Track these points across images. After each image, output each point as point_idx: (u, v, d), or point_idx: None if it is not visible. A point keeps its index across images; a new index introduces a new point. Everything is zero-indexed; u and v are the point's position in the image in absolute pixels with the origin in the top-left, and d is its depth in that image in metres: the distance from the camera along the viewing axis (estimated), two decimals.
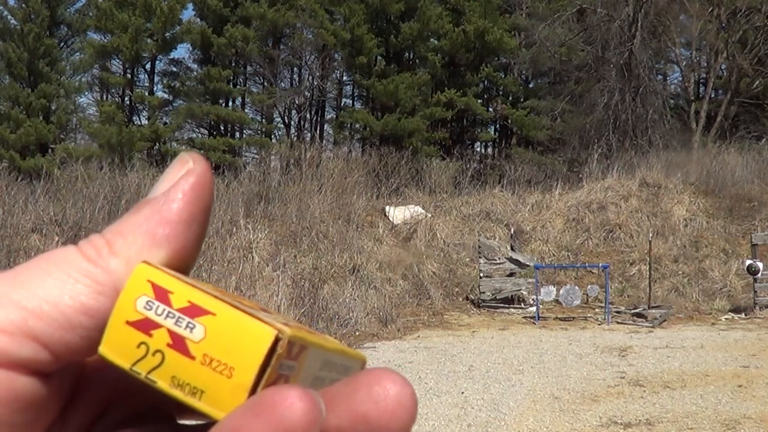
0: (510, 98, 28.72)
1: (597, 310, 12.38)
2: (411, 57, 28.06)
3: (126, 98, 26.84)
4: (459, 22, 26.42)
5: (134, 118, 26.39)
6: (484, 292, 12.49)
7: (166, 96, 26.81)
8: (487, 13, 26.19)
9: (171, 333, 0.26)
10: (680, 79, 27.86)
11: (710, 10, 24.56)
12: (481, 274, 12.53)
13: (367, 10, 25.74)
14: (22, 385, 0.26)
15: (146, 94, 26.32)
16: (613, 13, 23.70)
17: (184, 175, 0.29)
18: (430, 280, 13.27)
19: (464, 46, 26.22)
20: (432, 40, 27.35)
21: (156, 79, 27.61)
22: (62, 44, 25.76)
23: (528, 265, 12.67)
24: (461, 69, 26.76)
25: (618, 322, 11.39)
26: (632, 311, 12.12)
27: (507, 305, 12.56)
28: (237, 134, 27.57)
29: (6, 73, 23.52)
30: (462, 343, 9.77)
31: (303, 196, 15.08)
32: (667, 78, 30.38)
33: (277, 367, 0.26)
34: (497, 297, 12.52)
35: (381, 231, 14.86)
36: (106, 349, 0.27)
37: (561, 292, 12.15)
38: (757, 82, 25.14)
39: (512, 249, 13.53)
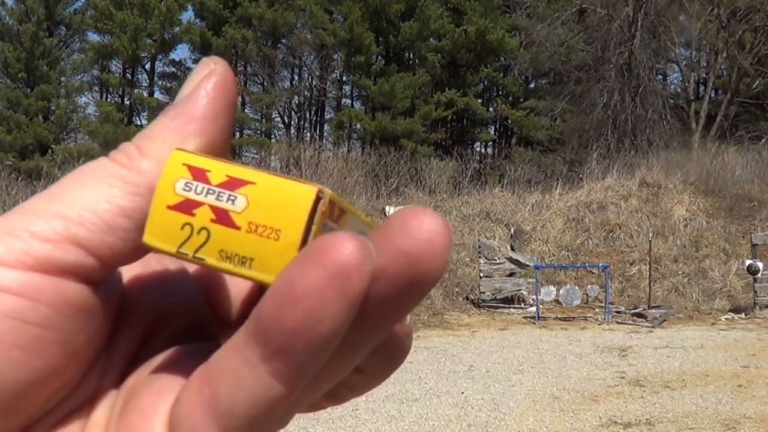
0: (510, 98, 28.74)
1: (597, 310, 12.37)
2: (410, 57, 28.06)
3: (126, 98, 26.84)
4: (459, 22, 26.41)
5: (134, 118, 26.39)
6: (484, 292, 12.49)
7: (165, 97, 26.81)
8: (487, 13, 26.18)
9: (213, 208, 0.26)
10: (680, 79, 27.88)
11: (710, 10, 24.57)
12: (481, 274, 12.52)
13: (367, 10, 25.73)
14: (71, 290, 0.27)
15: (146, 95, 26.32)
16: (613, 13, 23.71)
17: (206, 76, 0.30)
18: None
19: (465, 46, 26.22)
20: (432, 40, 27.33)
21: (156, 79, 27.63)
22: (61, 44, 25.75)
23: (528, 265, 12.66)
24: (461, 69, 26.75)
25: (618, 322, 11.38)
26: (632, 311, 12.12)
27: (507, 305, 12.56)
28: (236, 134, 27.58)
29: (3, 73, 23.49)
30: (462, 343, 9.77)
31: None
32: (667, 78, 30.43)
33: (321, 224, 0.26)
34: (497, 297, 12.51)
35: None
36: (150, 237, 0.27)
37: (561, 292, 12.15)
38: (757, 82, 25.14)
39: (512, 249, 13.53)
